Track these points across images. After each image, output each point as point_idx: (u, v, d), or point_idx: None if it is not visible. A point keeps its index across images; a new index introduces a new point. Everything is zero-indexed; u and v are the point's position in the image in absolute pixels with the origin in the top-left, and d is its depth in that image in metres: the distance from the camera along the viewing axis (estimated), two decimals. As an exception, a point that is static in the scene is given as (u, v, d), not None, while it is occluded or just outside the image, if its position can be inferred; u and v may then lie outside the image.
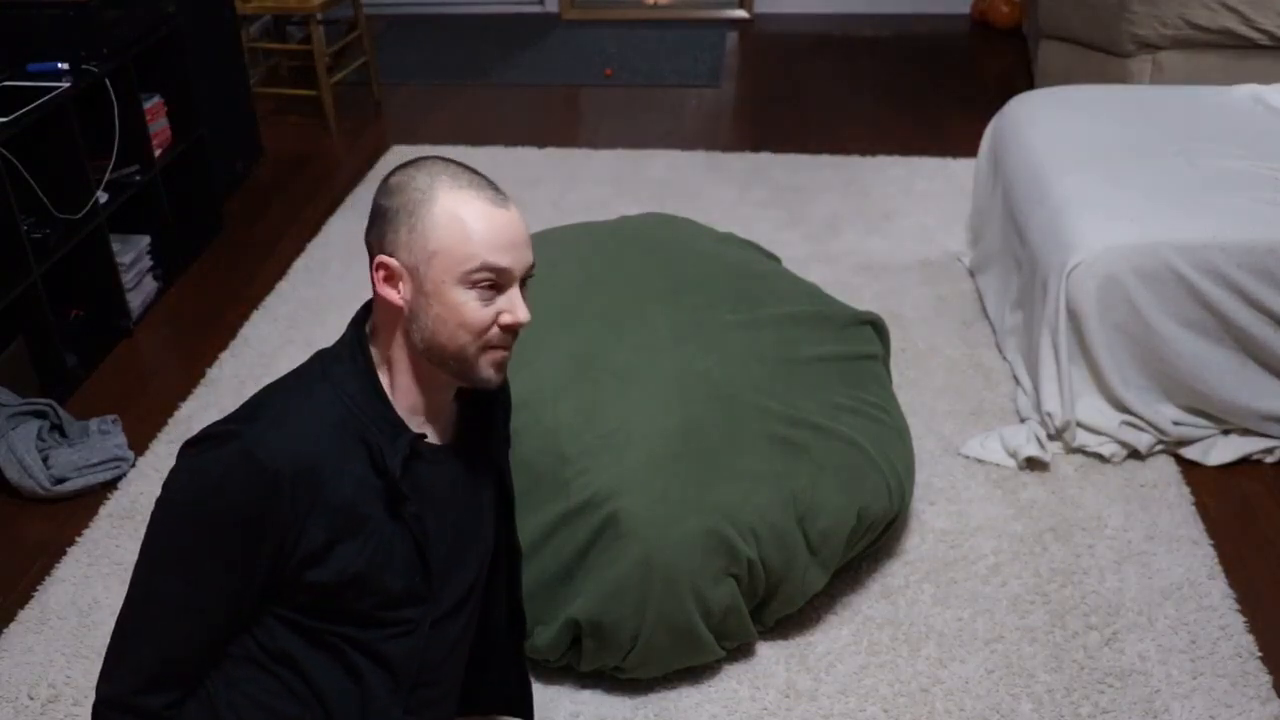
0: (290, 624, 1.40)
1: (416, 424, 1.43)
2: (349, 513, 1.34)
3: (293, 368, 1.42)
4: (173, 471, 1.35)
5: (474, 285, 1.34)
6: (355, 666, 1.43)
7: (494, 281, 1.35)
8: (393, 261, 1.35)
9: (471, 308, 1.34)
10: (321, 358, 1.41)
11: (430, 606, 1.46)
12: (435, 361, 1.38)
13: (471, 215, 1.33)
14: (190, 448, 1.34)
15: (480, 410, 1.54)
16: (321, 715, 1.44)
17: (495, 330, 1.36)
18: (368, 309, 1.44)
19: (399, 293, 1.36)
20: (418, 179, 1.35)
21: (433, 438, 1.45)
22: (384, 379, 1.40)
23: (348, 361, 1.39)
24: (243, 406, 1.37)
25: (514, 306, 1.37)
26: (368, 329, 1.43)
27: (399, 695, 1.47)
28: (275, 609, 1.39)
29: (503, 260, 1.34)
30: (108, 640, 1.35)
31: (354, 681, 1.44)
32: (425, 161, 1.37)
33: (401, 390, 1.40)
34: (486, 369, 1.38)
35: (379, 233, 1.36)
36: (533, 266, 1.40)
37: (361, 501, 1.35)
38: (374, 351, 1.41)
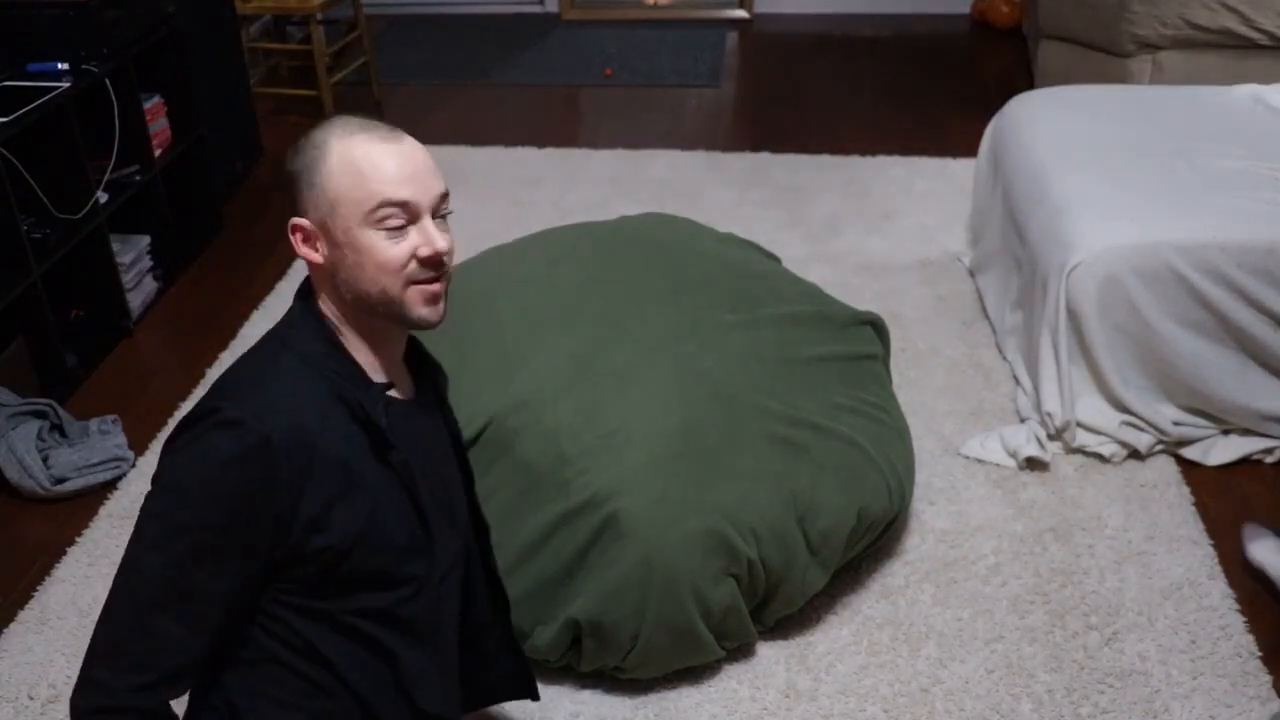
0: (306, 612, 1.39)
1: (378, 379, 1.44)
2: (342, 469, 1.34)
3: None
4: (162, 462, 1.34)
5: (380, 224, 1.33)
6: (380, 643, 1.43)
7: (401, 217, 1.34)
8: (303, 222, 1.37)
9: (382, 247, 1.34)
10: (276, 331, 1.42)
11: (433, 560, 1.46)
12: (367, 311, 1.38)
13: (362, 155, 1.33)
14: (173, 440, 1.34)
15: (428, 376, 1.56)
16: (353, 703, 1.43)
17: (414, 265, 1.35)
18: (310, 279, 1.45)
19: (317, 251, 1.37)
20: (314, 136, 1.36)
21: (397, 394, 1.46)
22: (343, 337, 1.41)
23: (303, 328, 1.39)
24: (212, 390, 1.37)
25: (429, 237, 1.36)
26: (312, 297, 1.44)
27: (434, 660, 1.48)
28: (290, 597, 1.38)
29: (402, 193, 1.34)
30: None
31: (384, 660, 1.44)
32: (324, 121, 1.39)
33: (354, 347, 1.41)
34: (418, 306, 1.38)
35: (292, 199, 1.38)
36: (445, 196, 1.39)
37: (351, 457, 1.36)
38: (325, 312, 1.42)
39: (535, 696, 1.86)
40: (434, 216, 1.38)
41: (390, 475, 1.40)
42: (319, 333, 1.39)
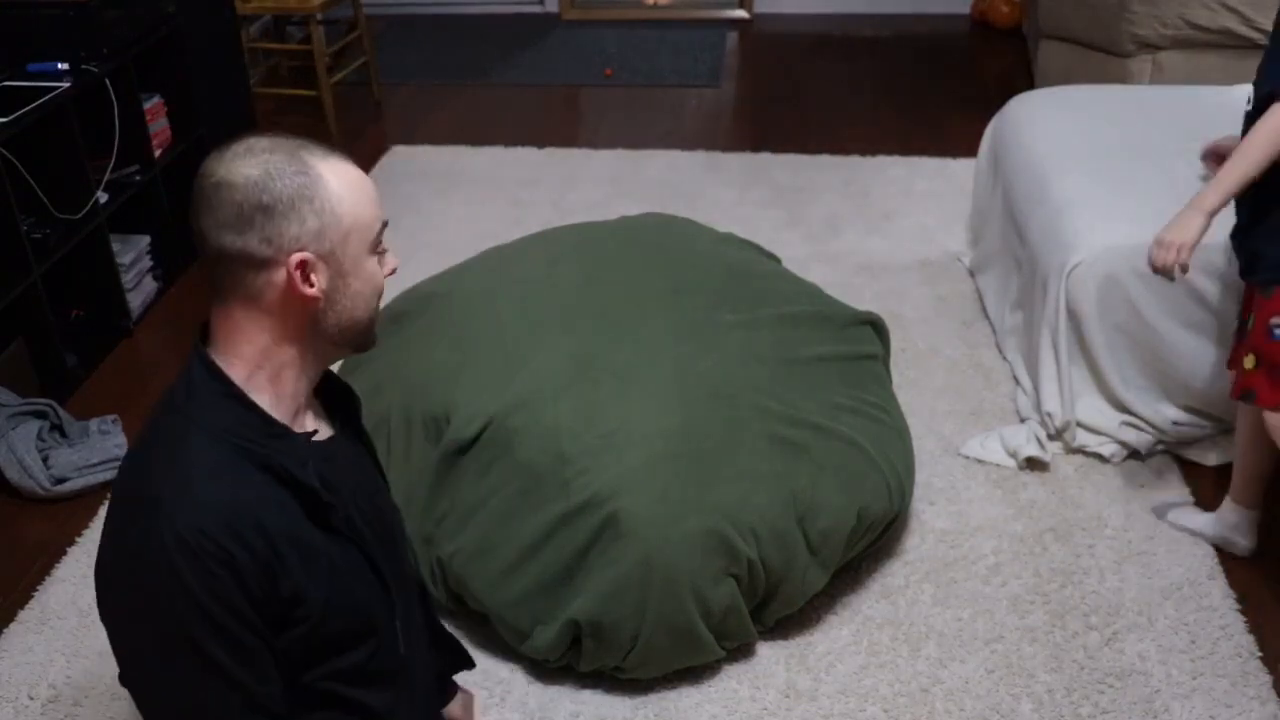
0: (293, 691, 1.31)
1: (299, 426, 1.34)
2: (292, 541, 1.25)
3: (140, 433, 1.31)
4: (109, 608, 1.25)
5: (376, 248, 1.31)
6: (355, 701, 1.37)
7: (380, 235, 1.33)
8: (309, 256, 1.24)
9: (378, 272, 1.32)
10: (174, 406, 1.27)
11: (392, 601, 1.41)
12: (344, 340, 1.32)
13: (355, 179, 1.28)
14: (114, 575, 1.23)
15: (337, 401, 1.47)
16: None
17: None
18: (204, 331, 1.31)
19: (314, 286, 1.26)
20: (275, 161, 1.23)
21: (319, 435, 1.38)
22: (255, 395, 1.28)
23: (206, 396, 1.26)
24: (126, 497, 1.25)
25: (390, 254, 1.35)
26: (210, 352, 1.29)
27: (407, 694, 1.46)
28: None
29: (384, 213, 1.33)
30: (107, 640, 1.31)
31: (360, 717, 1.39)
32: (255, 144, 1.26)
33: (268, 394, 1.29)
34: (376, 326, 1.36)
35: (265, 233, 1.22)
36: None
37: (295, 525, 1.26)
38: (233, 369, 1.28)
39: (471, 664, 1.82)
40: None
41: (337, 535, 1.32)
42: (224, 397, 1.26)
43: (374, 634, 1.38)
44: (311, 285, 1.26)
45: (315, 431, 1.35)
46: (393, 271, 1.34)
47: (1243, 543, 2.40)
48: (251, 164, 1.23)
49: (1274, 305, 2.10)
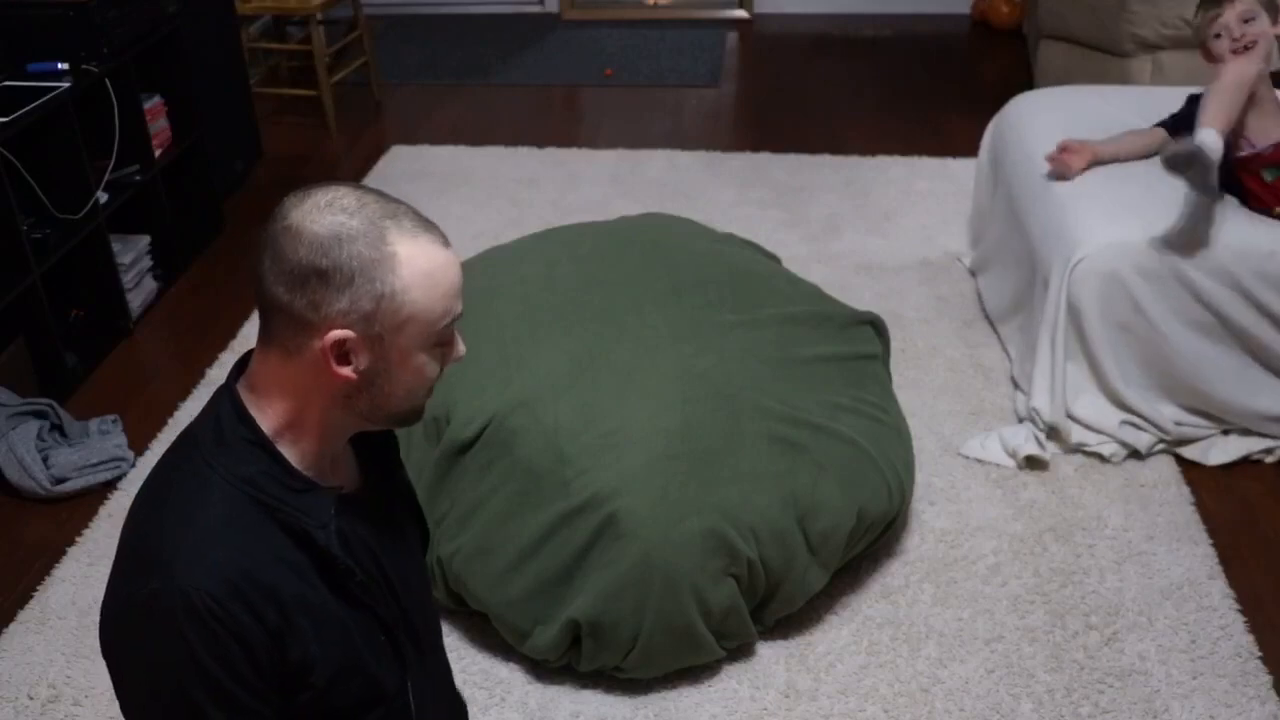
0: None
1: (326, 480, 1.25)
2: (305, 606, 1.19)
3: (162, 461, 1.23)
4: (115, 660, 1.19)
5: (439, 343, 1.19)
6: None
7: (453, 330, 1.21)
8: (350, 336, 1.14)
9: (433, 366, 1.20)
10: (198, 445, 1.20)
11: (405, 665, 1.34)
12: (378, 421, 1.23)
13: (438, 268, 1.15)
14: (119, 627, 1.17)
15: (374, 446, 1.37)
16: None
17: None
18: (240, 368, 1.24)
19: (352, 367, 1.16)
20: (351, 226, 1.12)
21: (347, 490, 1.29)
22: (283, 448, 1.20)
23: (235, 443, 1.18)
24: (137, 544, 1.18)
25: (459, 344, 1.23)
26: (243, 391, 1.22)
27: None
28: None
29: (460, 306, 1.19)
30: (110, 679, 1.27)
31: None
32: (341, 198, 1.15)
33: (303, 452, 1.22)
34: (425, 408, 1.26)
35: (314, 298, 1.12)
36: None
37: (309, 590, 1.19)
38: (265, 416, 1.20)
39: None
40: None
41: (352, 599, 1.25)
42: (250, 444, 1.18)
43: (382, 702, 1.31)
44: (348, 364, 1.16)
45: (341, 487, 1.26)
46: (455, 360, 1.23)
47: None
48: (327, 221, 1.12)
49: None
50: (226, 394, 1.22)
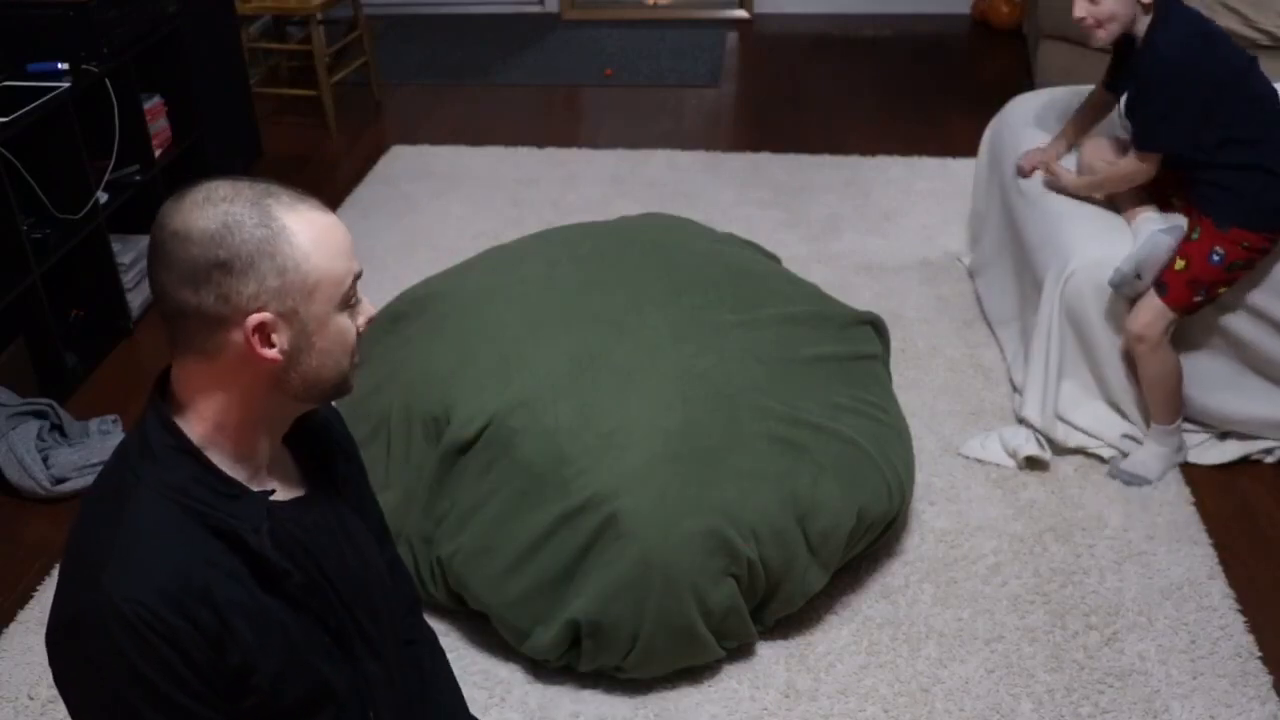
0: None
1: (259, 485, 1.24)
2: (243, 610, 1.17)
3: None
4: (56, 670, 1.17)
5: (347, 303, 1.20)
6: None
7: (354, 288, 1.22)
8: (268, 316, 1.14)
9: (349, 327, 1.21)
10: (126, 458, 1.20)
11: (356, 665, 1.32)
12: (310, 397, 1.23)
13: (326, 230, 1.17)
14: (57, 640, 1.16)
15: (314, 447, 1.37)
16: None
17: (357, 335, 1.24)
18: (162, 382, 1.23)
19: (274, 348, 1.16)
20: (235, 212, 1.13)
21: (282, 494, 1.28)
22: (213, 454, 1.20)
23: (160, 451, 1.18)
24: (71, 555, 1.17)
25: (365, 303, 1.24)
26: (167, 403, 1.21)
27: None
28: None
29: (358, 264, 1.22)
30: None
31: None
32: (215, 190, 1.15)
33: (234, 456, 1.22)
34: (354, 375, 1.26)
35: (221, 291, 1.13)
36: None
37: (246, 594, 1.18)
38: (191, 424, 1.20)
39: None
40: None
41: (292, 603, 1.23)
42: (177, 453, 1.18)
43: (332, 702, 1.28)
44: (272, 346, 1.16)
45: (274, 491, 1.24)
46: (369, 321, 1.25)
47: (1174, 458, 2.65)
48: (210, 215, 1.13)
49: (1222, 239, 2.44)
50: (151, 408, 1.21)
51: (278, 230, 1.14)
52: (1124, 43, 2.53)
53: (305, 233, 1.15)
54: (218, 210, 1.13)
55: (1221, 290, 2.50)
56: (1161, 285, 2.49)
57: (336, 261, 1.17)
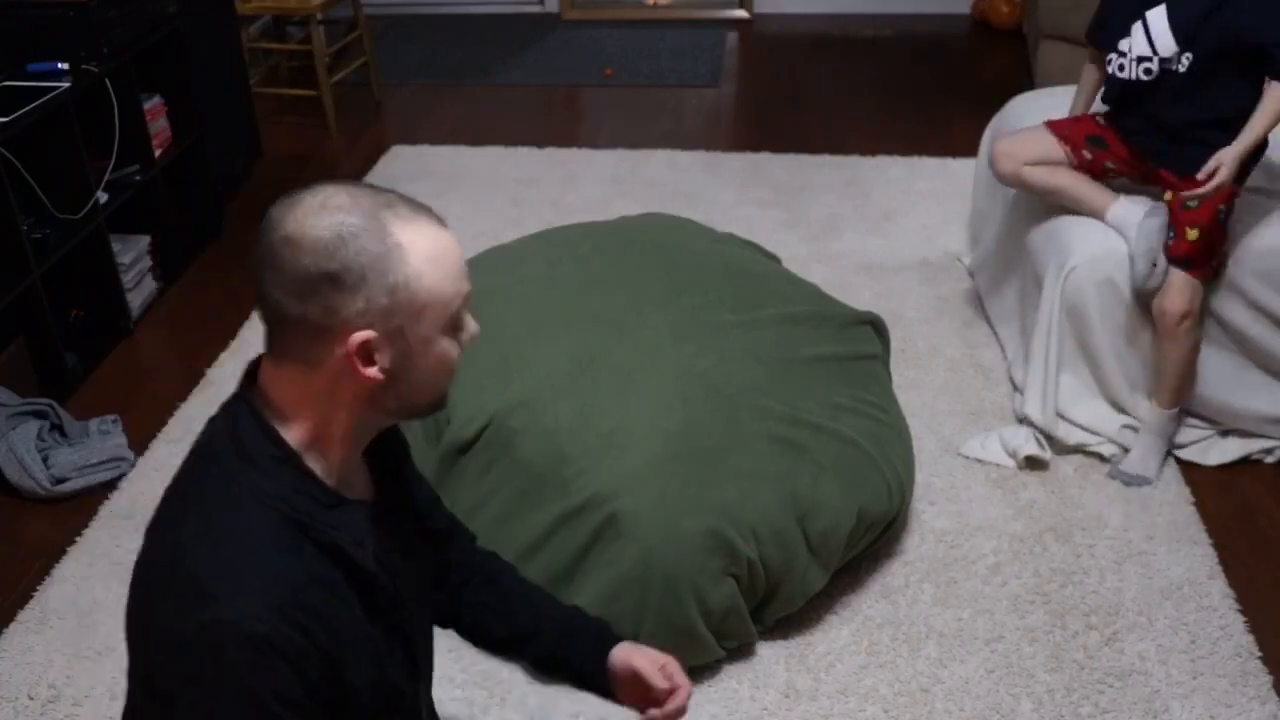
0: None
1: (348, 492, 1.21)
2: (346, 624, 1.15)
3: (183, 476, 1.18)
4: (166, 690, 1.12)
5: (455, 325, 1.15)
6: None
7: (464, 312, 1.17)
8: (372, 336, 1.10)
9: (452, 350, 1.16)
10: (218, 463, 1.15)
11: (418, 673, 1.33)
12: (404, 416, 1.21)
13: (442, 250, 1.12)
14: (168, 662, 1.10)
15: (383, 453, 1.33)
16: None
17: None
18: (249, 379, 1.20)
19: (377, 367, 1.12)
20: (351, 223, 1.08)
21: (362, 496, 1.26)
22: (311, 463, 1.17)
23: (262, 460, 1.14)
24: (163, 570, 1.12)
25: (471, 323, 1.19)
26: (259, 406, 1.17)
27: None
28: None
29: (468, 284, 1.16)
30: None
31: None
32: (332, 197, 1.10)
33: (327, 465, 1.18)
34: (446, 399, 1.22)
35: (328, 304, 1.08)
36: None
37: (348, 608, 1.16)
38: (289, 431, 1.16)
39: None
40: None
41: (380, 615, 1.21)
42: (278, 461, 1.14)
43: (399, 713, 1.27)
44: (373, 365, 1.12)
45: (367, 499, 1.24)
46: (473, 339, 1.19)
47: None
48: (324, 223, 1.08)
49: (1220, 196, 2.44)
50: (244, 408, 1.17)
51: (392, 247, 1.09)
52: None
53: (420, 251, 1.10)
54: (333, 219, 1.08)
55: (1223, 249, 2.53)
56: (1186, 261, 2.48)
57: (448, 283, 1.13)
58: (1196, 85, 2.45)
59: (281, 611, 1.08)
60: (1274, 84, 2.34)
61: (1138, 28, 2.50)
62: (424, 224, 1.12)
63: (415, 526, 1.39)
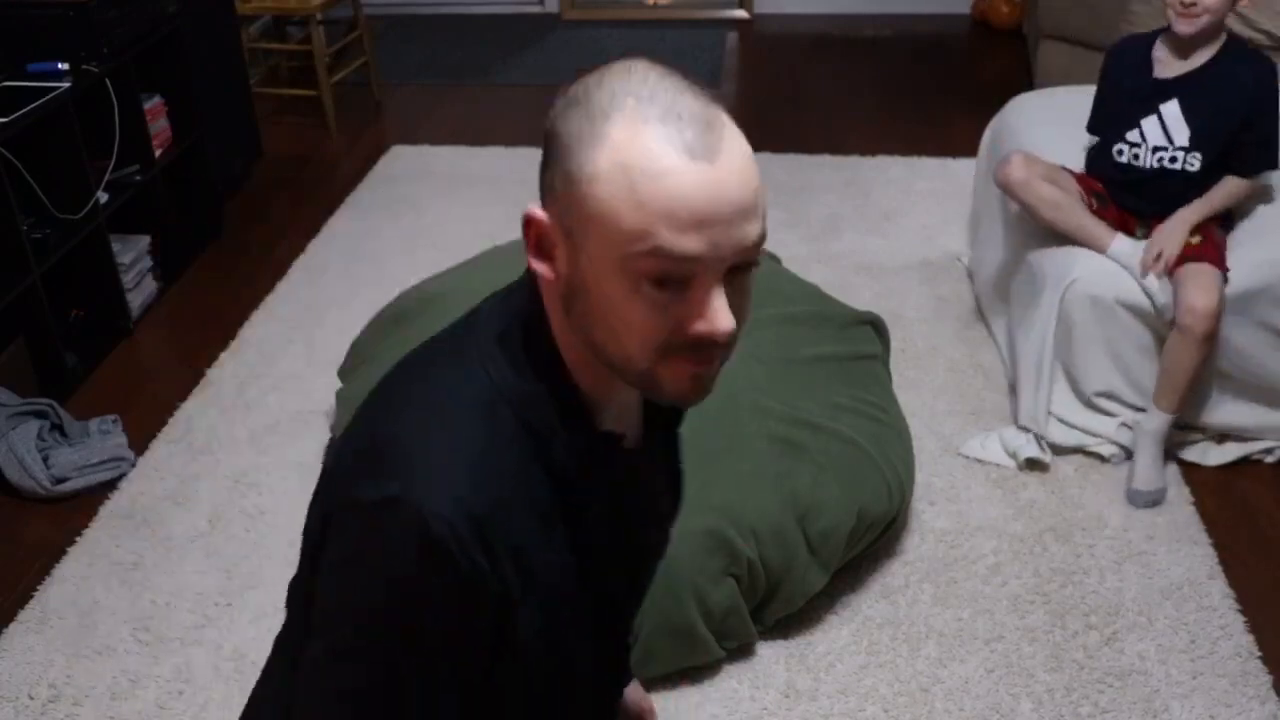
0: None
1: (608, 420, 1.02)
2: (545, 567, 0.97)
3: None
4: (327, 562, 0.97)
5: (645, 276, 0.87)
6: None
7: (682, 273, 0.88)
8: (540, 216, 0.93)
9: (640, 308, 0.88)
10: (474, 334, 1.00)
11: (600, 684, 1.16)
12: (599, 357, 0.94)
13: (650, 168, 0.85)
14: (334, 529, 0.96)
15: (660, 412, 1.11)
16: None
17: (679, 339, 0.90)
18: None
19: (552, 265, 0.94)
20: (599, 93, 0.89)
21: (630, 438, 1.06)
22: (577, 377, 0.98)
23: (520, 348, 0.97)
24: (380, 437, 0.96)
25: (710, 310, 0.89)
26: (539, 304, 1.00)
27: None
28: None
29: (691, 244, 0.86)
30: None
31: None
32: (627, 65, 0.91)
33: (592, 387, 0.98)
34: (672, 385, 0.93)
35: (544, 171, 0.93)
36: (756, 245, 0.93)
37: (553, 552, 0.98)
38: (552, 332, 0.99)
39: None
40: (734, 271, 0.93)
41: (588, 572, 1.02)
42: (541, 360, 0.97)
43: (571, 693, 1.09)
44: (545, 259, 0.94)
45: (624, 435, 1.02)
46: (703, 335, 0.90)
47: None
48: (589, 79, 0.91)
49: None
50: (526, 286, 1.01)
51: (601, 133, 0.87)
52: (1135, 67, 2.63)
53: (619, 154, 0.86)
54: (599, 77, 0.90)
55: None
56: (1198, 257, 2.49)
57: (632, 210, 0.85)
58: (1204, 176, 2.57)
59: (478, 530, 0.90)
60: (1242, 181, 2.56)
61: (1150, 121, 2.60)
62: (655, 131, 0.86)
63: (667, 480, 1.19)
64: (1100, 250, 2.63)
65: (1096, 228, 2.64)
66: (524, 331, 0.98)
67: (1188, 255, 2.50)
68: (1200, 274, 2.47)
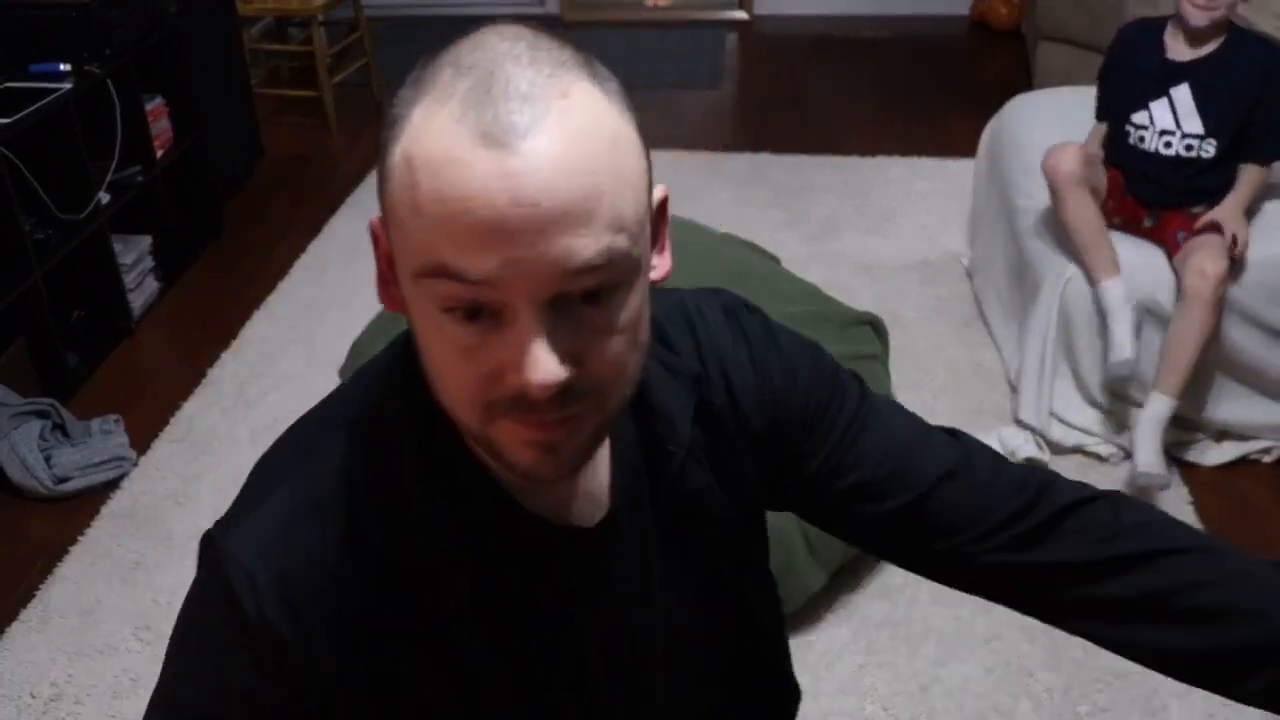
0: None
1: (533, 495, 0.81)
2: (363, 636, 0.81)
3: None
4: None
5: (438, 306, 0.69)
6: None
7: (479, 302, 0.67)
8: (374, 221, 0.76)
9: (447, 351, 0.71)
10: (364, 378, 0.89)
11: None
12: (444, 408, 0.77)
13: (433, 159, 0.67)
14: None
15: (656, 447, 0.87)
16: None
17: (499, 393, 0.70)
18: None
19: (389, 290, 0.77)
20: (430, 63, 0.76)
21: (577, 515, 0.84)
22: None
23: (399, 390, 0.83)
24: (254, 470, 0.86)
25: (522, 354, 0.67)
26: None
27: None
28: None
29: (479, 263, 0.65)
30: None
31: None
32: (489, 28, 0.78)
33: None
34: (513, 454, 0.73)
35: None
36: (590, 268, 0.67)
37: (400, 611, 0.81)
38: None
39: None
40: (573, 300, 0.68)
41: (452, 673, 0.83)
42: (430, 427, 0.79)
43: None
44: (383, 285, 0.77)
45: (562, 520, 0.83)
46: (518, 389, 0.69)
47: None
48: (420, 63, 0.78)
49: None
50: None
51: (401, 118, 0.73)
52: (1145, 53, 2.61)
53: (410, 145, 0.69)
54: (451, 49, 0.76)
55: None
56: (1205, 230, 2.50)
57: (417, 220, 0.67)
58: (1218, 162, 2.57)
59: (280, 580, 0.78)
60: (1260, 168, 2.55)
61: (1159, 104, 2.59)
62: (448, 114, 0.68)
63: (691, 572, 0.91)
64: (1093, 281, 2.60)
65: (1100, 257, 2.60)
66: (397, 381, 0.83)
67: (1195, 231, 2.52)
68: (1209, 243, 2.48)
